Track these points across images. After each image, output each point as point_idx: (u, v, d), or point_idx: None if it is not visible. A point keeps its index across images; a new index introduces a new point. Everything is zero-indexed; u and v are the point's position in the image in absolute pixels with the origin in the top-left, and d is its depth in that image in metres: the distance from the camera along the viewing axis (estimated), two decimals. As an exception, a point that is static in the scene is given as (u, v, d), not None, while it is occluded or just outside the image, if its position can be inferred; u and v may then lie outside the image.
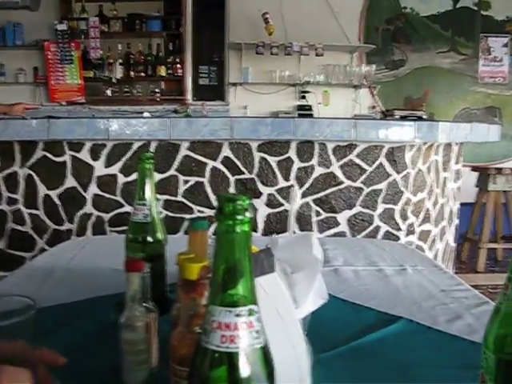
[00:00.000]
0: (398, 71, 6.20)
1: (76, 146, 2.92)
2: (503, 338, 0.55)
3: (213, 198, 2.93)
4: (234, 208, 0.46)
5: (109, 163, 2.93)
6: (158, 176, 2.79)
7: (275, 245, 0.82)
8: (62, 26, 5.84)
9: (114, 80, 6.05)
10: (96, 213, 2.96)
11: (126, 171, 2.91)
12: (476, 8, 6.24)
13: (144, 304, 0.84)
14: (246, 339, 0.48)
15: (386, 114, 5.66)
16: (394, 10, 6.15)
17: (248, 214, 0.47)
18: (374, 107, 6.11)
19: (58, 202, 2.96)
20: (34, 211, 2.98)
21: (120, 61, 6.07)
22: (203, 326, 0.50)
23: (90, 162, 2.94)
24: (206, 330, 0.49)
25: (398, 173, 3.00)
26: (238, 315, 0.48)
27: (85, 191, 2.95)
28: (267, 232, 2.92)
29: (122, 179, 2.92)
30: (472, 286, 1.40)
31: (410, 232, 3.11)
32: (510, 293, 0.54)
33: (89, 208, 2.96)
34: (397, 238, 3.03)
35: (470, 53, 6.27)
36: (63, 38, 5.86)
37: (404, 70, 6.21)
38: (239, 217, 0.47)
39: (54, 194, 2.96)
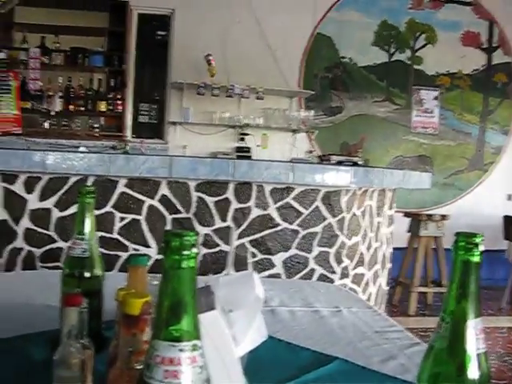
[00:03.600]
0: (336, 117, 6.39)
1: (9, 177, 2.83)
2: (437, 375, 0.57)
3: (149, 236, 2.89)
4: (181, 243, 0.47)
5: (43, 197, 2.86)
6: (94, 211, 2.73)
7: (216, 283, 0.82)
8: (1, 55, 5.75)
9: (52, 113, 5.96)
10: (27, 247, 2.86)
11: (61, 206, 2.84)
12: (409, 62, 6.56)
13: (80, 340, 0.82)
14: (190, 374, 0.49)
15: (323, 159, 5.80)
16: (333, 59, 6.37)
17: (194, 250, 0.48)
18: (311, 151, 6.24)
19: (-14, 235, 2.85)
20: (-40, 243, 2.86)
21: (60, 94, 6.01)
22: (146, 360, 0.50)
23: (24, 194, 2.85)
24: (148, 364, 0.49)
25: (334, 216, 3.06)
26: (181, 350, 0.48)
27: (16, 224, 2.85)
28: (203, 272, 2.90)
29: (56, 214, 2.85)
30: (403, 329, 1.44)
31: (344, 275, 3.15)
32: (442, 331, 0.57)
33: (19, 242, 2.86)
34: (331, 281, 3.07)
35: (404, 103, 6.55)
36: (1, 67, 5.75)
37: (341, 116, 6.40)
38: (185, 252, 0.47)
39: (-17, 226, 2.85)
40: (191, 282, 0.49)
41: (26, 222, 2.85)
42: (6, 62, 5.78)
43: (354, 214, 3.16)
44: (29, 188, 2.84)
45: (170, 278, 0.48)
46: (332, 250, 3.08)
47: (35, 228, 2.85)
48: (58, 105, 5.99)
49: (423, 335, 3.91)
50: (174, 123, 6.05)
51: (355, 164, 5.03)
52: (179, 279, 0.48)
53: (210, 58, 5.77)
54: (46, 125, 6.02)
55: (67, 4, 6.00)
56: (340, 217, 3.07)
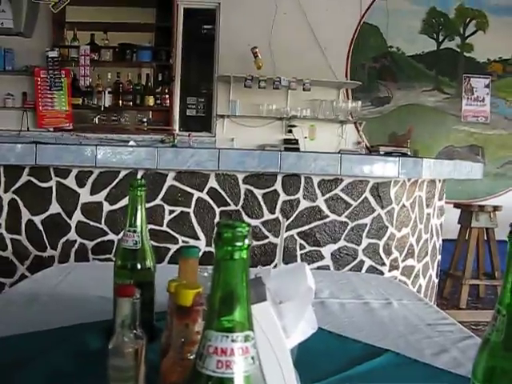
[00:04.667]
0: (384, 108, 6.30)
1: (62, 172, 2.90)
2: (492, 368, 0.56)
3: (198, 228, 2.92)
4: (233, 234, 0.47)
5: (94, 190, 2.92)
6: (144, 204, 2.78)
7: (267, 274, 0.82)
8: (53, 53, 5.89)
9: (102, 108, 6.07)
10: (80, 240, 2.93)
11: (111, 199, 2.90)
12: (459, 50, 6.40)
13: (133, 331, 0.83)
14: (242, 365, 0.49)
15: (371, 150, 5.74)
16: (380, 49, 6.28)
17: (247, 241, 0.48)
18: (359, 143, 6.18)
19: (41, 227, 2.93)
20: (16, 236, 2.94)
21: (109, 89, 6.11)
22: (198, 350, 0.50)
23: (76, 188, 2.92)
24: (201, 354, 0.49)
25: (383, 208, 3.02)
26: (234, 340, 0.49)
27: (69, 218, 2.92)
28: (252, 264, 2.90)
29: (107, 207, 2.90)
30: (454, 322, 1.41)
31: (394, 267, 3.11)
32: (498, 324, 0.55)
33: (72, 235, 2.93)
34: (380, 273, 3.03)
35: (454, 92, 6.39)
36: (54, 65, 5.90)
37: (389, 107, 6.31)
38: (238, 243, 0.47)
39: (37, 219, 2.93)
40: (243, 274, 0.48)
41: (78, 215, 2.92)
42: (57, 60, 5.91)
43: (404, 206, 3.11)
44: (80, 182, 2.91)
45: (222, 269, 0.48)
46: (381, 242, 3.04)
47: (87, 221, 2.91)
48: (107, 100, 6.10)
49: (475, 329, 3.83)
50: (221, 116, 6.08)
51: (404, 155, 4.95)
52: (231, 270, 0.48)
53: (256, 50, 5.77)
54: (96, 120, 6.14)
55: (115, 1, 6.10)
56: (389, 208, 3.03)
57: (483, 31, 6.38)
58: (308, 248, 2.97)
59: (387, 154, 4.94)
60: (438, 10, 6.35)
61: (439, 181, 3.44)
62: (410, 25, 6.30)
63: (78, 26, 6.12)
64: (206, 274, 0.93)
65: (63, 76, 5.98)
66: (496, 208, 4.92)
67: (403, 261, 3.17)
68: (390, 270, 3.10)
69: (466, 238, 4.95)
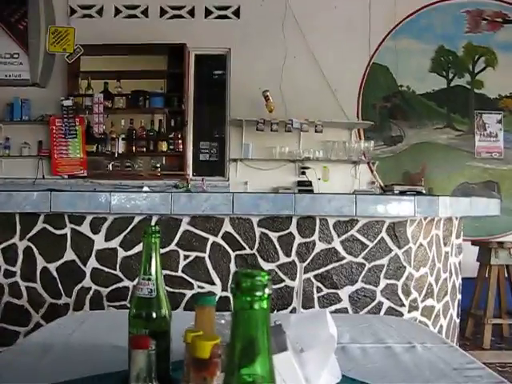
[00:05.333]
0: (396, 147, 6.29)
1: (77, 219, 2.91)
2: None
3: (213, 273, 2.89)
4: (253, 284, 0.45)
5: (109, 237, 2.91)
6: (158, 250, 2.76)
7: (287, 321, 0.79)
8: (68, 102, 5.99)
9: (116, 155, 6.12)
10: (94, 287, 2.91)
11: (126, 245, 2.89)
12: (469, 87, 6.42)
13: (149, 383, 0.80)
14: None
15: (386, 190, 5.71)
16: (390, 88, 6.32)
17: (267, 291, 0.45)
18: (373, 182, 6.16)
19: (55, 275, 2.92)
20: (31, 284, 2.93)
21: (123, 136, 6.16)
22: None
23: (91, 235, 2.92)
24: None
25: (400, 248, 2.98)
26: (255, 396, 0.46)
27: (84, 265, 2.91)
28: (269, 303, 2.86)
29: (121, 253, 2.89)
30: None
31: (413, 308, 3.05)
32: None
33: (87, 282, 2.91)
34: (400, 314, 2.97)
35: (466, 129, 6.38)
36: (68, 114, 5.99)
37: (402, 145, 6.30)
38: (258, 293, 0.45)
39: (52, 266, 2.92)
40: (264, 324, 0.46)
41: (93, 262, 2.90)
42: (72, 108, 6.00)
43: (421, 245, 3.07)
44: (95, 228, 2.91)
45: (242, 320, 0.46)
46: (399, 283, 2.99)
47: (102, 267, 2.90)
48: (121, 147, 6.15)
49: (501, 370, 3.72)
50: (234, 160, 6.11)
51: (419, 193, 4.92)
52: (251, 321, 0.46)
53: (268, 93, 5.83)
54: (110, 166, 6.18)
55: (127, 50, 6.20)
56: (406, 248, 2.99)
57: (492, 67, 6.41)
58: (325, 290, 2.92)
59: (402, 193, 4.90)
60: (446, 48, 6.40)
61: (456, 218, 3.40)
62: (419, 63, 6.35)
63: (92, 75, 6.24)
64: (223, 322, 0.90)
65: (78, 124, 6.06)
66: (515, 244, 4.83)
67: (423, 301, 3.11)
68: (409, 311, 3.04)
69: (486, 275, 4.85)
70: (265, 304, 0.46)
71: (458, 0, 6.41)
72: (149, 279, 1.10)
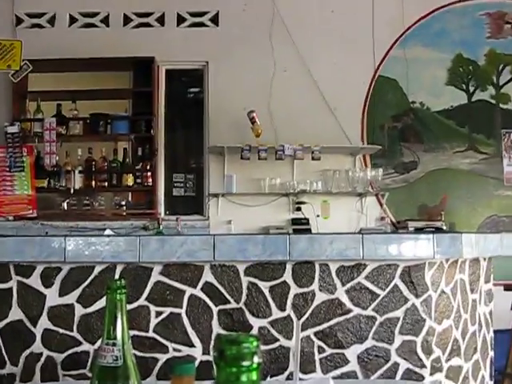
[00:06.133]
0: (410, 175, 6.33)
1: (25, 269, 2.89)
2: None
3: (192, 333, 2.87)
4: (239, 352, 0.45)
5: (64, 291, 2.89)
6: (125, 306, 2.74)
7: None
8: (13, 129, 5.99)
9: (71, 191, 6.11)
10: (46, 352, 2.87)
11: (85, 301, 2.87)
12: (494, 101, 6.50)
13: None
14: None
15: (398, 227, 5.73)
16: (400, 106, 6.39)
17: (256, 359, 0.46)
18: (383, 218, 6.18)
19: (-1, 340, 2.89)
20: (-32, 352, 2.90)
21: (79, 168, 6.17)
22: None
23: (42, 289, 2.89)
24: None
25: (417, 296, 2.99)
26: None
27: (33, 325, 2.88)
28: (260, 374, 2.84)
29: (80, 311, 2.87)
30: None
31: (437, 369, 3.04)
32: None
33: (38, 346, 2.88)
34: (420, 378, 2.96)
35: (492, 151, 6.45)
36: (14, 142, 5.99)
37: (416, 173, 6.34)
38: (245, 363, 0.45)
39: (-5, 330, 2.90)
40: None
41: (44, 322, 2.87)
42: (19, 135, 6.00)
43: (443, 292, 3.08)
44: (47, 281, 2.88)
45: (226, 393, 0.46)
46: (418, 339, 2.99)
47: (55, 328, 2.87)
48: (77, 181, 6.14)
49: None
50: (215, 195, 6.12)
51: (438, 230, 4.95)
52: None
53: (254, 115, 5.86)
54: (65, 205, 6.16)
55: (84, 66, 6.23)
56: (425, 296, 2.99)
57: (521, 78, 6.51)
58: (328, 351, 2.91)
59: (418, 230, 4.93)
60: (465, 56, 6.50)
61: (484, 259, 3.41)
62: (433, 75, 6.43)
63: (42, 95, 6.27)
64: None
65: (25, 154, 6.06)
66: (556, 289, 4.86)
67: (447, 360, 3.11)
68: (431, 374, 3.03)
69: (523, 327, 4.86)
70: (254, 375, 0.46)
71: (475, 1, 6.53)
72: (113, 344, 1.10)
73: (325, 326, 2.90)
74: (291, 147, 5.90)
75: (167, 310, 2.87)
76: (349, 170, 6.15)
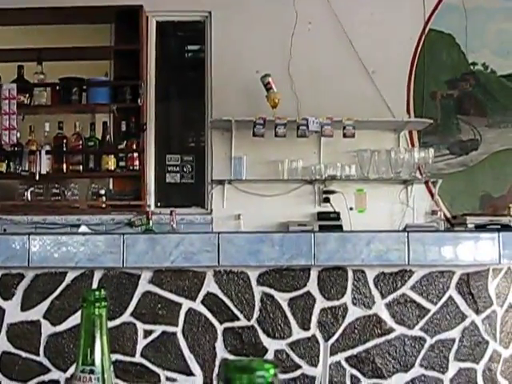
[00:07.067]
0: (469, 157, 6.31)
1: (-22, 278, 2.92)
2: None
3: (190, 357, 2.89)
4: (251, 382, 0.45)
5: (28, 304, 2.91)
6: (105, 324, 2.75)
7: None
8: (-38, 98, 6.02)
9: (36, 177, 6.10)
10: (6, 382, 2.90)
11: (54, 317, 2.89)
12: None
13: None
14: None
15: (454, 223, 5.72)
16: (458, 68, 6.36)
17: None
18: (434, 212, 6.16)
19: None
20: None
21: (47, 148, 6.17)
22: None
23: None
24: None
25: (478, 312, 2.99)
26: None
27: (-11, 348, 2.91)
28: (277, 410, 2.85)
29: (47, 329, 2.89)
30: None
31: (503, 405, 3.05)
32: None
33: (-5, 375, 2.91)
34: (482, 416, 2.97)
35: None
36: (-38, 116, 6.02)
37: (477, 154, 6.32)
38: (258, 396, 0.46)
39: None
40: None
41: (3, 343, 2.90)
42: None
43: (511, 307, 3.07)
44: (6, 292, 2.90)
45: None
46: (479, 366, 2.99)
47: (17, 351, 2.89)
48: (44, 164, 6.12)
49: None
50: (219, 182, 6.13)
51: (505, 227, 4.93)
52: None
53: (269, 79, 5.82)
54: (29, 194, 6.17)
55: (52, 17, 6.20)
56: (488, 312, 2.99)
57: None
58: (364, 381, 2.92)
59: (479, 227, 4.92)
60: (545, 4, 6.46)
61: None
62: (501, 29, 6.38)
63: (0, 55, 6.25)
64: None
65: (-23, 131, 6.09)
66: None
67: (517, 395, 3.11)
68: (496, 411, 3.04)
69: None
70: (269, 411, 0.46)
71: None
72: (91, 371, 1.11)
73: (360, 349, 2.91)
74: (317, 121, 5.86)
75: (159, 329, 2.88)
76: (391, 150, 6.12)
